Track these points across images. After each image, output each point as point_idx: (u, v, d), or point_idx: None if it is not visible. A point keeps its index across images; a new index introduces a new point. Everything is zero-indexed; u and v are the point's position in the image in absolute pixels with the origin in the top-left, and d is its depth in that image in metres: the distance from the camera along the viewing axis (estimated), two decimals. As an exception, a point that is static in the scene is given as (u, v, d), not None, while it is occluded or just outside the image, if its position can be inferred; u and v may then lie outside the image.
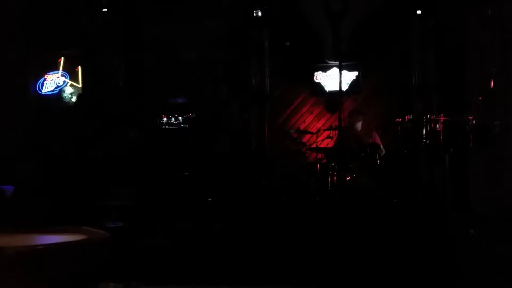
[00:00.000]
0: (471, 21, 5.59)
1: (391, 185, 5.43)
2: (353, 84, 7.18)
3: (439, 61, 6.22)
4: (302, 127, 7.30)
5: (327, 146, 6.51)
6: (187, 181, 6.04)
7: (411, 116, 5.33)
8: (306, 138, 6.92)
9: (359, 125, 6.23)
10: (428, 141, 5.18)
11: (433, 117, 5.10)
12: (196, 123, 6.81)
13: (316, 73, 7.29)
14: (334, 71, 7.22)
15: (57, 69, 7.32)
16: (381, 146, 6.14)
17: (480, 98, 4.78)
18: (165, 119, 6.63)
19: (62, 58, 7.32)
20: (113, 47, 6.86)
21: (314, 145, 6.53)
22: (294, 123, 7.41)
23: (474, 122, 4.73)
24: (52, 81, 7.31)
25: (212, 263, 4.09)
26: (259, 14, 6.76)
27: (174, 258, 4.17)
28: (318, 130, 6.77)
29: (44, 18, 6.81)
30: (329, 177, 5.82)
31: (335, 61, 7.11)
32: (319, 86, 7.29)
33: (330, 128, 6.28)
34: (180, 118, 6.64)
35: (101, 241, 2.09)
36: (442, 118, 4.93)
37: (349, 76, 7.17)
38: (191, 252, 4.29)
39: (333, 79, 7.23)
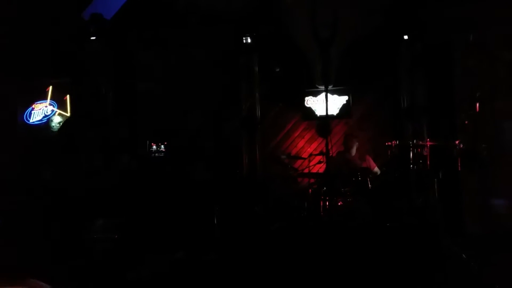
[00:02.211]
0: (458, 45, 5.66)
1: (383, 209, 5.39)
2: (343, 108, 7.21)
3: (427, 85, 6.26)
4: (293, 151, 7.27)
5: (318, 171, 6.47)
6: (178, 209, 5.93)
7: (397, 142, 5.31)
8: (298, 163, 6.87)
9: (354, 149, 6.22)
10: (415, 166, 5.16)
11: (420, 142, 5.10)
12: (186, 150, 6.75)
13: (306, 98, 7.31)
14: (324, 95, 7.23)
15: (45, 98, 7.26)
16: (376, 168, 6.13)
17: (466, 122, 4.80)
18: (154, 146, 6.55)
19: (50, 87, 7.27)
20: (102, 75, 6.83)
21: (306, 170, 6.48)
22: (285, 148, 7.38)
23: (461, 146, 4.72)
24: (40, 110, 7.24)
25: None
26: (249, 40, 6.80)
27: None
28: (310, 155, 6.72)
29: (31, 46, 6.79)
30: (321, 202, 5.76)
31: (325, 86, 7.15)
32: (310, 111, 7.31)
33: (321, 153, 6.25)
34: (169, 145, 6.57)
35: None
36: (428, 143, 4.93)
37: (340, 101, 7.21)
38: (183, 284, 4.17)
39: (324, 103, 7.21)
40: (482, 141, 4.81)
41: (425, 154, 4.87)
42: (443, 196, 5.00)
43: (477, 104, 4.79)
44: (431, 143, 4.92)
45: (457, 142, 4.76)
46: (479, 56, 4.96)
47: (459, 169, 4.81)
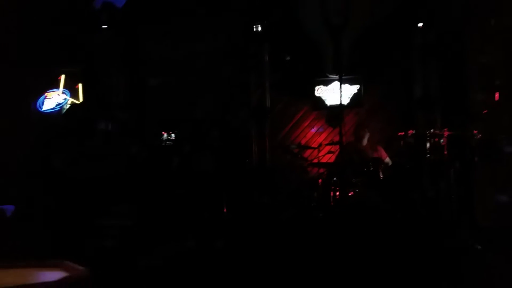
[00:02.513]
0: (473, 32, 5.53)
1: (395, 200, 5.35)
2: (354, 97, 7.14)
3: (441, 73, 6.16)
4: (303, 141, 7.23)
5: (328, 161, 6.44)
6: (188, 198, 5.97)
7: (414, 131, 5.23)
8: (307, 153, 6.85)
9: (365, 140, 6.17)
10: (432, 156, 5.07)
11: (437, 131, 5.00)
12: (196, 139, 6.77)
13: (317, 87, 7.25)
14: (335, 85, 7.18)
15: (57, 86, 7.31)
16: (388, 158, 6.09)
17: (485, 111, 4.68)
18: (165, 135, 6.58)
19: (63, 76, 7.30)
20: (114, 64, 6.85)
21: (315, 160, 6.46)
22: (295, 137, 7.35)
23: (479, 136, 4.64)
24: (52, 99, 7.28)
25: (214, 283, 4.01)
26: (259, 29, 6.75)
27: (175, 278, 4.09)
28: (320, 145, 6.69)
29: (44, 36, 6.82)
30: (332, 192, 5.75)
31: (336, 75, 7.09)
32: (320, 100, 7.25)
33: (331, 143, 6.21)
34: (179, 134, 6.59)
35: (81, 280, 1.96)
36: (446, 133, 4.83)
37: (351, 90, 7.14)
38: (193, 272, 4.20)
39: (334, 93, 7.19)
40: (499, 131, 4.71)
41: (442, 144, 4.77)
42: (458, 187, 4.93)
43: (497, 93, 4.66)
44: (449, 133, 4.82)
45: (475, 132, 4.66)
46: (496, 44, 4.82)
47: (476, 159, 4.73)
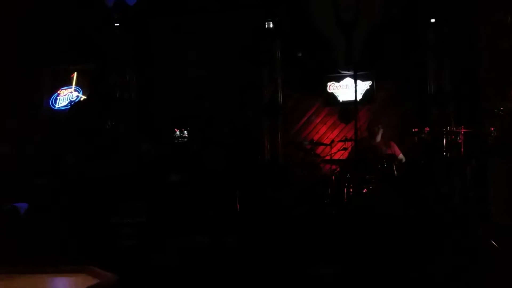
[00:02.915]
0: (487, 28, 5.47)
1: (409, 197, 5.32)
2: (366, 93, 7.10)
3: (454, 69, 6.10)
4: (315, 138, 7.21)
5: (341, 158, 6.42)
6: (201, 195, 5.98)
7: (429, 128, 5.18)
8: (320, 149, 6.83)
9: (379, 136, 6.14)
10: (448, 153, 5.02)
11: (454, 128, 4.95)
12: (208, 135, 6.77)
13: (329, 83, 7.23)
14: (348, 81, 7.16)
15: (70, 84, 7.36)
16: (401, 155, 6.05)
17: (502, 108, 4.62)
18: (177, 132, 6.59)
19: (75, 73, 7.35)
20: (125, 61, 6.87)
21: (328, 157, 6.44)
22: (307, 134, 7.33)
23: (495, 133, 4.58)
24: (65, 96, 7.35)
25: (229, 279, 4.02)
26: (271, 25, 6.73)
27: (191, 275, 4.10)
28: (332, 141, 6.68)
29: (57, 34, 6.86)
30: (345, 189, 5.73)
31: (348, 71, 7.06)
32: (332, 97, 7.22)
33: (345, 140, 6.18)
34: (191, 131, 6.59)
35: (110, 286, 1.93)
36: (463, 130, 4.78)
37: (363, 86, 7.09)
38: (208, 269, 4.22)
39: (347, 89, 7.16)
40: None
41: (459, 141, 4.72)
42: (473, 184, 4.89)
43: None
44: (465, 130, 4.77)
45: (492, 129, 4.61)
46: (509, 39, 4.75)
47: (491, 156, 4.67)
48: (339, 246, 4.53)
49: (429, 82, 6.31)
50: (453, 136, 4.99)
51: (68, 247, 4.45)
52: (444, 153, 5.07)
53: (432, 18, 6.36)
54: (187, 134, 6.54)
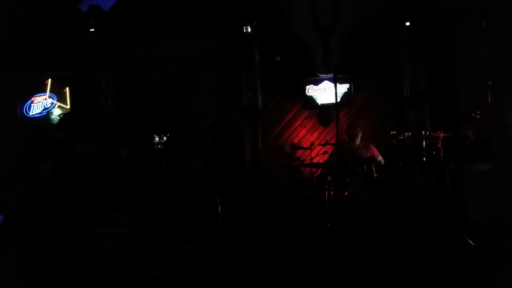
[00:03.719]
0: (462, 32, 5.60)
1: (389, 199, 5.41)
2: (345, 96, 7.20)
3: (430, 72, 6.23)
4: (295, 141, 7.27)
5: (322, 161, 6.47)
6: (180, 201, 5.92)
7: (410, 133, 5.28)
8: (300, 152, 6.87)
9: (358, 139, 6.22)
10: (427, 157, 5.13)
11: (432, 132, 5.05)
12: (187, 141, 6.71)
13: (307, 87, 7.29)
14: (326, 84, 7.23)
15: (44, 90, 7.18)
16: (380, 157, 6.14)
17: (478, 112, 4.76)
18: (156, 138, 6.51)
19: (50, 80, 7.18)
20: (102, 67, 6.74)
21: (308, 160, 6.48)
22: (287, 137, 7.38)
23: (473, 136, 4.71)
24: (39, 103, 7.16)
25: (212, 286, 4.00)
26: (249, 30, 6.72)
27: (175, 286, 4.06)
28: (312, 144, 6.73)
29: (30, 39, 6.67)
30: (326, 191, 5.78)
31: (326, 74, 7.14)
32: (311, 100, 7.29)
33: (325, 143, 6.24)
34: (170, 137, 6.52)
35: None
36: (441, 134, 4.89)
37: (341, 89, 7.19)
38: (192, 278, 4.19)
39: (325, 92, 7.24)
40: (490, 131, 4.78)
41: (438, 146, 4.83)
42: (451, 186, 5.01)
43: (489, 94, 4.74)
44: (444, 135, 4.88)
45: (470, 133, 4.74)
46: (487, 44, 4.88)
47: (469, 159, 4.80)
48: (322, 249, 4.58)
49: (405, 85, 6.42)
50: (432, 140, 5.08)
51: (47, 260, 4.34)
52: (424, 157, 5.16)
53: (407, 21, 6.46)
54: (167, 140, 6.48)
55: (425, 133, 5.18)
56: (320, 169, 6.22)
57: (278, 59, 7.05)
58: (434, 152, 5.06)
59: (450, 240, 4.62)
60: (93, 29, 6.41)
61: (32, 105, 7.19)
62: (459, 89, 5.49)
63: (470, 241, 4.42)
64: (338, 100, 7.06)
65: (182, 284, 4.05)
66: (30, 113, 7.19)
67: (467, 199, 5.32)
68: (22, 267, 4.18)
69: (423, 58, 6.24)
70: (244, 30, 6.72)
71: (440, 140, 4.88)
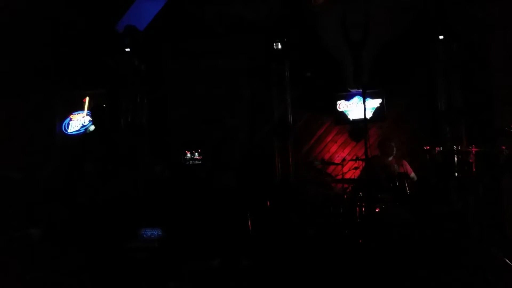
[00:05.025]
0: (498, 44, 5.44)
1: (423, 216, 5.26)
2: (377, 111, 7.10)
3: (465, 86, 6.07)
4: (326, 156, 7.21)
5: (353, 177, 6.39)
6: (213, 217, 5.96)
7: (441, 148, 5.13)
8: (331, 168, 6.80)
9: (391, 155, 6.11)
10: (460, 173, 4.98)
11: (464, 148, 4.90)
12: (219, 157, 6.79)
13: (339, 102, 7.24)
14: (357, 99, 7.18)
15: (82, 108, 7.46)
16: (413, 174, 6.00)
17: (512, 125, 4.57)
18: (188, 154, 6.62)
19: (87, 98, 7.45)
20: (136, 85, 6.95)
21: (339, 176, 6.41)
22: (318, 152, 7.33)
23: (507, 151, 4.53)
24: (77, 121, 7.44)
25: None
26: (279, 46, 6.78)
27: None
28: (343, 160, 6.67)
29: (68, 58, 6.99)
30: (357, 208, 5.68)
31: (358, 89, 7.08)
32: (342, 115, 7.23)
33: (356, 159, 6.16)
34: (202, 153, 6.62)
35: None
36: (474, 149, 4.74)
37: (373, 104, 7.10)
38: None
39: (357, 107, 7.17)
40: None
41: (470, 161, 4.67)
42: (487, 203, 4.83)
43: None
44: (476, 150, 4.73)
45: (503, 147, 4.56)
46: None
47: (504, 174, 4.62)
48: (353, 266, 4.49)
49: (439, 99, 6.28)
50: (464, 155, 4.93)
51: (81, 273, 4.45)
52: (456, 173, 5.01)
53: (441, 35, 6.35)
54: (198, 156, 6.58)
55: (457, 147, 5.02)
56: (352, 185, 6.13)
57: (309, 74, 7.06)
58: (466, 168, 4.89)
59: (487, 260, 4.44)
60: (128, 49, 6.63)
61: (70, 122, 7.48)
62: (494, 103, 5.32)
63: (508, 261, 4.24)
64: (370, 115, 7.05)
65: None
66: (69, 130, 7.47)
67: (505, 216, 5.10)
68: (55, 279, 4.31)
69: (457, 72, 6.09)
70: (275, 47, 6.79)
71: (472, 155, 4.72)
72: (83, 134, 7.32)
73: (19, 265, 4.44)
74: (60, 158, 7.21)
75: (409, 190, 5.51)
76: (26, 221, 5.58)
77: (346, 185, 6.26)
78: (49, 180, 6.71)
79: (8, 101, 6.90)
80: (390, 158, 6.11)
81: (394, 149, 6.13)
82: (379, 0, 6.39)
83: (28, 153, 6.84)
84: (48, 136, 7.40)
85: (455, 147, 5.30)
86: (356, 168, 6.18)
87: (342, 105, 7.24)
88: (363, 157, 6.12)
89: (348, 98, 7.21)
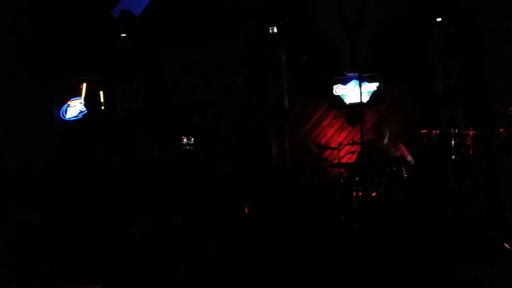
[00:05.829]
0: (497, 28, 5.37)
1: (419, 200, 5.27)
2: (373, 95, 7.06)
3: (462, 69, 6.02)
4: (323, 141, 7.20)
5: (349, 161, 6.39)
6: (208, 201, 5.99)
7: (438, 131, 5.11)
8: (327, 152, 6.80)
9: (386, 138, 6.09)
10: (457, 156, 4.95)
11: (462, 131, 4.87)
12: (214, 142, 6.80)
13: (335, 86, 7.20)
14: (354, 83, 7.13)
15: (79, 95, 7.47)
16: (410, 157, 5.99)
17: (511, 109, 4.53)
18: (185, 140, 6.63)
19: (84, 84, 7.45)
20: (132, 71, 6.92)
21: (336, 160, 6.41)
22: (314, 137, 7.32)
23: (505, 134, 4.50)
24: (75, 107, 7.47)
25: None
26: (275, 30, 6.71)
27: (201, 285, 4.12)
28: (340, 144, 6.67)
29: (64, 45, 6.97)
30: (354, 192, 5.70)
31: (354, 73, 7.03)
32: (339, 99, 7.20)
33: (352, 143, 6.16)
34: (198, 138, 6.63)
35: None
36: (471, 132, 4.71)
37: (370, 87, 7.06)
38: (218, 277, 4.23)
39: (353, 91, 7.14)
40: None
41: (468, 143, 4.65)
42: (484, 186, 4.82)
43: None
44: (474, 132, 4.69)
45: (501, 130, 4.53)
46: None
47: (502, 157, 4.59)
48: (349, 249, 4.51)
49: (436, 82, 6.23)
50: (461, 138, 4.90)
51: (77, 257, 4.50)
52: (453, 156, 4.99)
53: (438, 17, 6.27)
54: (194, 141, 6.58)
55: (454, 130, 4.99)
56: (348, 169, 6.14)
57: (305, 59, 7.02)
58: (463, 151, 4.87)
59: (485, 243, 4.46)
60: (124, 34, 6.59)
61: (68, 108, 7.51)
62: (492, 86, 5.28)
63: (506, 245, 4.25)
64: (367, 99, 7.01)
65: (206, 282, 4.09)
66: (67, 116, 7.51)
67: (503, 200, 5.10)
68: (54, 264, 4.36)
69: (455, 55, 6.04)
70: (270, 31, 6.72)
71: (469, 138, 4.70)
72: (80, 120, 7.34)
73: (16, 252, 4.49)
74: (58, 143, 7.24)
75: (406, 173, 5.51)
76: (24, 206, 5.63)
77: (342, 170, 6.27)
78: (47, 166, 6.74)
79: (4, 88, 6.91)
80: (385, 142, 6.10)
81: (388, 132, 6.10)
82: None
83: (25, 139, 6.86)
84: (46, 122, 7.42)
85: (452, 130, 5.26)
86: (352, 152, 6.17)
87: (339, 89, 7.20)
88: (360, 141, 6.14)
89: (344, 82, 7.17)
